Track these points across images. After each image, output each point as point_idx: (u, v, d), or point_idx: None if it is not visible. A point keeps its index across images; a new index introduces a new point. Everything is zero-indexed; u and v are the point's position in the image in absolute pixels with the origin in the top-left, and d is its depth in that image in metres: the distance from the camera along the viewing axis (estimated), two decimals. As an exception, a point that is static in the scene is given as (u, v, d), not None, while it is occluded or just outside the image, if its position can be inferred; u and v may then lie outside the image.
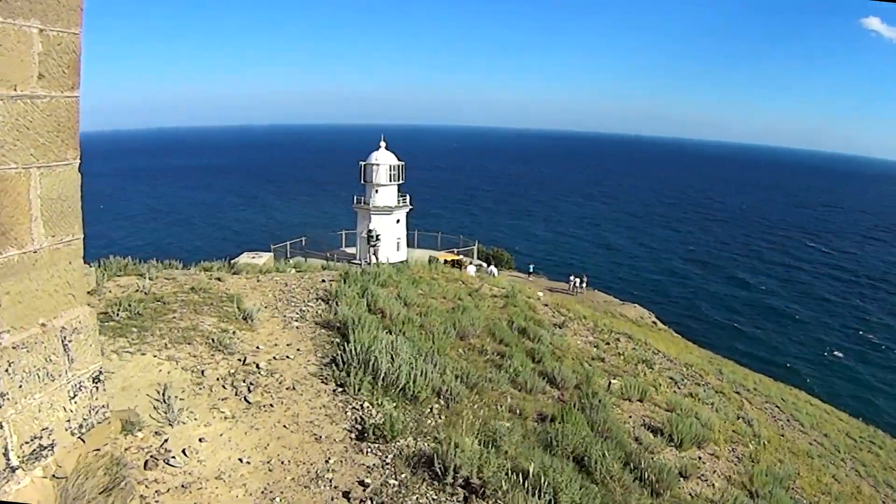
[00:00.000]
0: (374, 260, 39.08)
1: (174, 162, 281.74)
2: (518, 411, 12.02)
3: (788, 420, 24.52)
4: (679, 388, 20.29)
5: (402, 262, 68.53)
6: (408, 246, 69.75)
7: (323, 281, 18.46)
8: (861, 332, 79.85)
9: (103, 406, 7.06)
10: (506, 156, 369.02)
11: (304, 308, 14.77)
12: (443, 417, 10.22)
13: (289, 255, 64.88)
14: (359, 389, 10.11)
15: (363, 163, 66.96)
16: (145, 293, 13.80)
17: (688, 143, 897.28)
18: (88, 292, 13.73)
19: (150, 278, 15.34)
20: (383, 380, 10.34)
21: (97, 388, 6.93)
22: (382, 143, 66.47)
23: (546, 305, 26.83)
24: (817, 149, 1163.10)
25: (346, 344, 11.48)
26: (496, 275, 58.15)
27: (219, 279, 16.26)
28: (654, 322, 61.20)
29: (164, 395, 9.08)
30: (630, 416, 15.24)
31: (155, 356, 10.45)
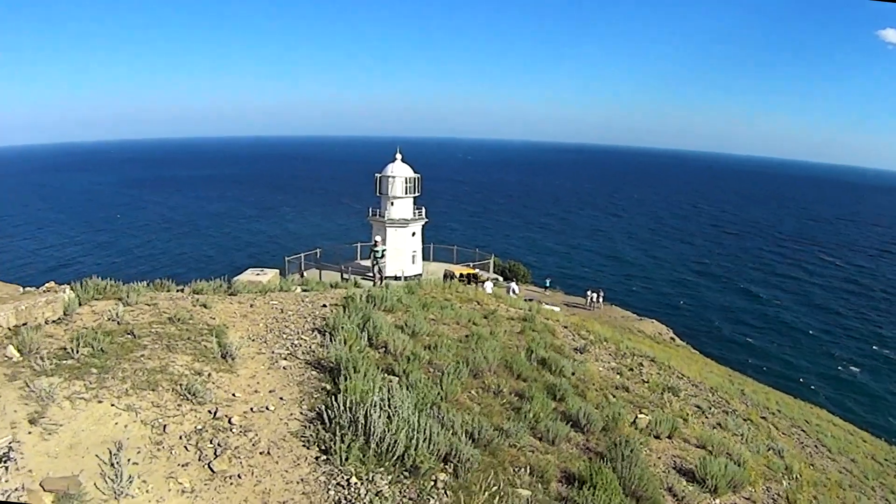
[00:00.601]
0: (377, 277, 36.19)
1: (189, 173, 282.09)
2: (540, 473, 10.01)
3: (816, 446, 23.13)
4: (707, 418, 18.87)
5: (416, 276, 67.47)
6: (423, 259, 68.79)
7: (324, 306, 16.60)
8: (875, 348, 78.04)
9: (17, 489, 5.37)
10: (520, 168, 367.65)
11: (296, 342, 12.91)
12: (449, 495, 8.28)
13: (303, 268, 64.22)
14: (346, 458, 8.18)
15: (379, 175, 65.28)
16: (118, 323, 11.94)
17: (700, 156, 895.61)
18: (55, 321, 12.30)
19: (127, 304, 13.48)
20: (377, 445, 8.39)
21: (5, 469, 5.24)
22: (398, 155, 65.10)
23: (566, 328, 24.99)
24: (832, 161, 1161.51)
25: (336, 394, 9.63)
26: (517, 293, 56.53)
27: (204, 305, 14.26)
28: (672, 338, 59.44)
29: (114, 457, 7.49)
30: (660, 458, 13.67)
31: (113, 405, 8.74)
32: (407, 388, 10.61)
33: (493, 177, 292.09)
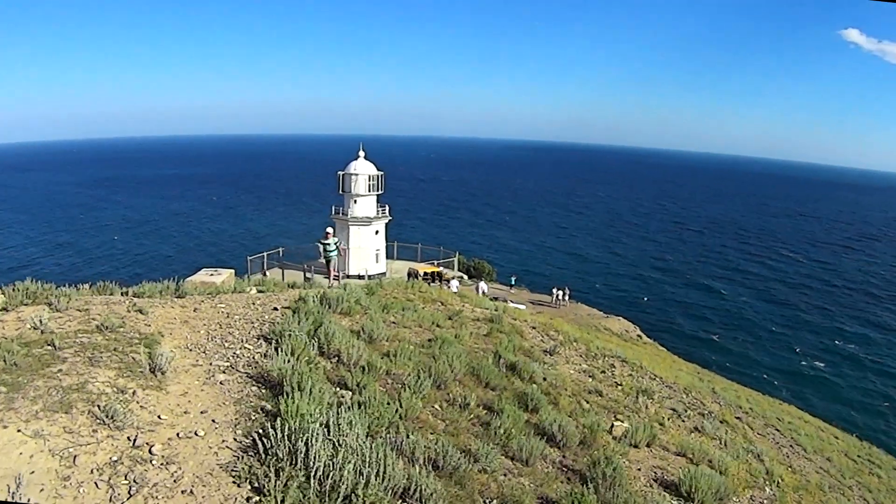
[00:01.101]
0: (331, 275, 32.02)
1: (152, 172, 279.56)
2: (514, 502, 8.78)
3: (791, 446, 22.42)
4: (683, 422, 18.19)
5: (380, 274, 66.31)
6: (387, 258, 67.87)
7: (275, 309, 15.17)
8: (837, 342, 78.58)
9: None
10: (482, 166, 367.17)
11: (238, 352, 11.49)
12: (405, 542, 6.93)
13: (265, 267, 63.00)
14: (282, 500, 6.73)
15: (342, 173, 64.49)
16: (41, 331, 10.54)
17: (666, 154, 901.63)
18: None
19: (56, 310, 12.05)
20: (320, 483, 6.94)
21: None
22: (361, 153, 64.04)
23: (534, 328, 23.80)
24: (795, 159, 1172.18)
25: (276, 416, 8.30)
26: (486, 292, 55.47)
27: (140, 311, 12.75)
28: (638, 335, 58.84)
29: (14, 496, 6.31)
30: (640, 469, 12.70)
31: (19, 430, 7.40)
32: (360, 406, 9.25)
33: (457, 175, 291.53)
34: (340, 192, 64.69)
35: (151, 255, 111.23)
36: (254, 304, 15.92)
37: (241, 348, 11.61)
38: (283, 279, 62.64)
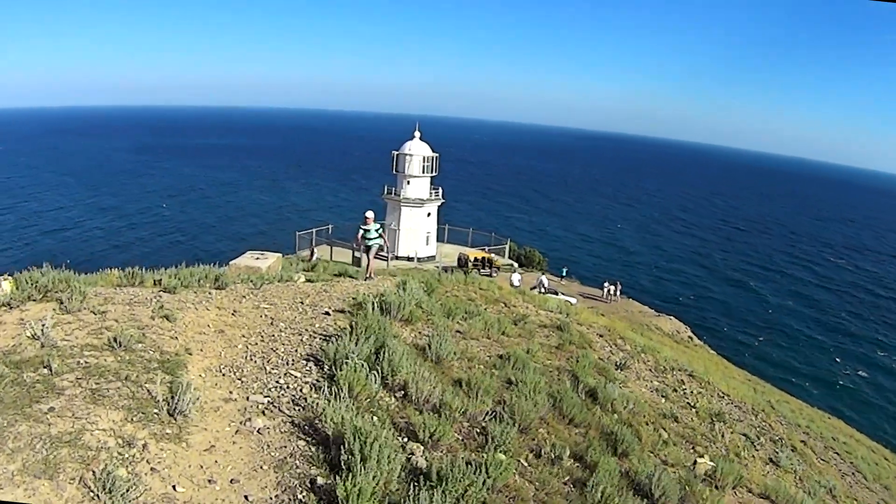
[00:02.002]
0: (369, 268, 22.27)
1: (203, 141, 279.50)
2: None
3: (853, 473, 21.19)
4: (757, 450, 16.91)
5: (429, 257, 64.64)
6: (437, 241, 66.21)
7: (326, 314, 12.97)
8: (881, 354, 75.22)
9: None
10: (533, 153, 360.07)
11: (283, 379, 9.19)
12: None
13: (314, 244, 61.67)
14: None
15: (396, 152, 62.82)
16: (41, 343, 8.41)
17: (721, 151, 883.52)
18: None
19: (67, 310, 9.95)
20: None
21: None
22: (417, 133, 62.34)
23: (601, 336, 21.61)
24: (856, 165, 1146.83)
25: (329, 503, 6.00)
26: (547, 286, 53.36)
27: (166, 317, 10.46)
28: (689, 337, 56.35)
29: None
30: None
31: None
32: (439, 479, 6.98)
33: (508, 160, 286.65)
34: (394, 171, 63.07)
35: (195, 224, 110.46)
36: (302, 303, 13.79)
37: (285, 374, 9.26)
38: (331, 257, 61.54)
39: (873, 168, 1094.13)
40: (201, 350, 9.56)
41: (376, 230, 23.39)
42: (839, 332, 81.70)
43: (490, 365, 12.88)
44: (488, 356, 13.63)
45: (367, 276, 21.68)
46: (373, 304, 13.20)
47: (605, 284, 61.70)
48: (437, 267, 61.52)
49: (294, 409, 8.29)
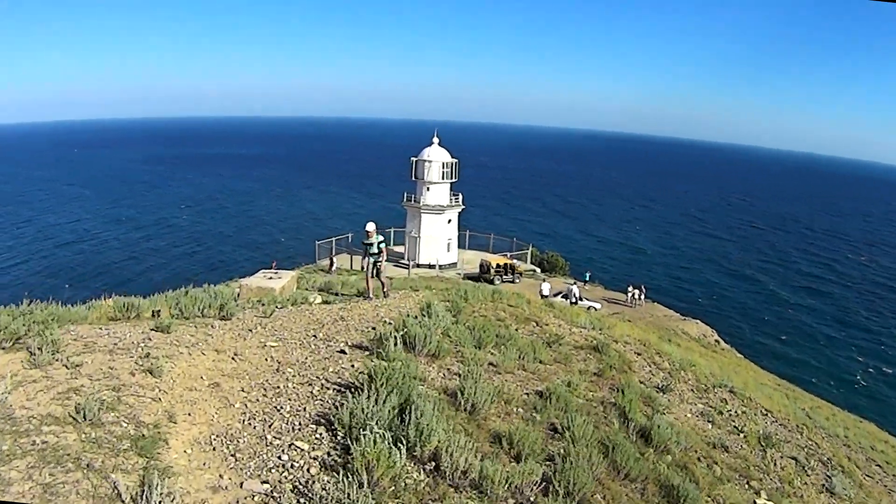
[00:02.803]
0: (370, 288, 20.85)
1: (220, 151, 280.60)
2: None
3: None
4: (808, 476, 15.56)
5: (451, 264, 63.08)
6: (458, 247, 64.95)
7: (342, 352, 11.30)
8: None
9: None
10: (552, 155, 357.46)
11: (285, 456, 7.33)
12: None
13: (334, 253, 60.78)
14: None
15: (415, 158, 61.78)
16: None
17: (736, 148, 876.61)
18: None
19: (36, 364, 8.24)
20: None
21: None
22: (435, 139, 61.39)
23: (639, 355, 19.93)
24: (870, 159, 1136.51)
25: None
26: (578, 295, 51.82)
27: (150, 371, 8.62)
28: (716, 340, 54.83)
29: None
30: None
31: None
32: None
33: (524, 162, 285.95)
34: (413, 178, 62.11)
35: (211, 234, 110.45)
36: (315, 336, 12.14)
37: (290, 445, 7.36)
38: (350, 266, 60.58)
39: (891, 162, 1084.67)
40: (189, 415, 7.77)
41: (378, 243, 20.60)
42: (860, 329, 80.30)
43: (530, 406, 11.12)
44: (526, 393, 11.89)
45: (369, 296, 19.49)
46: (395, 339, 11.41)
47: (630, 288, 60.17)
48: (459, 274, 60.45)
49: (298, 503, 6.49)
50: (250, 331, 12.13)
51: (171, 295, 17.34)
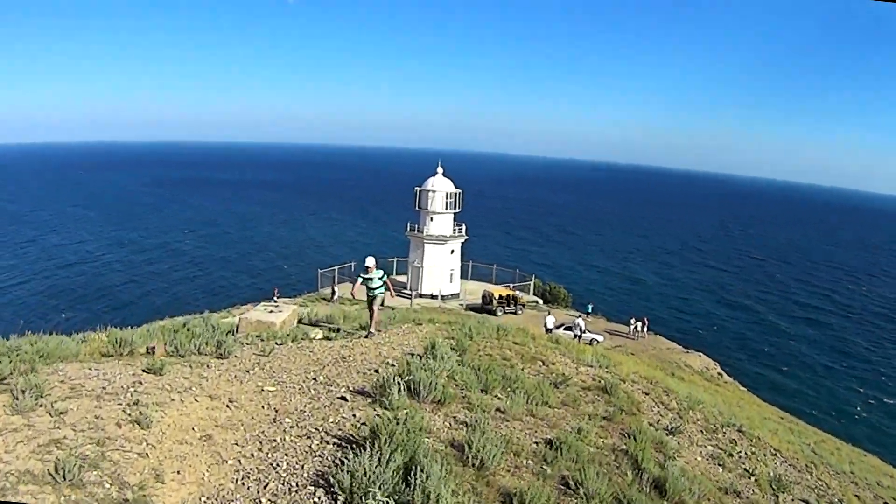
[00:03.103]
0: (374, 322, 19.73)
1: (222, 176, 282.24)
2: None
3: None
4: None
5: (453, 295, 62.62)
6: (461, 277, 64.54)
7: (343, 399, 10.65)
8: None
9: None
10: (551, 185, 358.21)
11: None
12: None
13: (336, 282, 60.32)
14: None
15: (418, 188, 61.49)
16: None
17: (739, 180, 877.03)
18: None
19: (18, 410, 7.46)
20: None
21: None
22: (439, 169, 61.08)
23: (647, 394, 19.31)
24: (872, 190, 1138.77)
25: None
26: (585, 329, 51.02)
27: (137, 422, 7.92)
28: (719, 373, 54.16)
29: None
30: None
31: None
32: None
33: (523, 193, 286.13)
34: (416, 208, 61.83)
35: (212, 258, 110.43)
36: (315, 379, 11.54)
37: None
38: (353, 295, 59.77)
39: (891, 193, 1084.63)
40: (178, 472, 7.11)
41: (380, 278, 19.66)
42: (860, 360, 79.90)
43: (540, 458, 10.49)
44: (535, 442, 11.26)
45: (370, 332, 18.82)
46: (399, 386, 10.77)
47: (632, 321, 59.48)
48: (462, 305, 59.97)
49: None
50: (247, 371, 11.56)
51: (169, 326, 16.82)
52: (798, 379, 71.16)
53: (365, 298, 20.36)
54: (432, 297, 60.10)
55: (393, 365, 13.45)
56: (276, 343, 15.41)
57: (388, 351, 15.34)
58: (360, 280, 19.60)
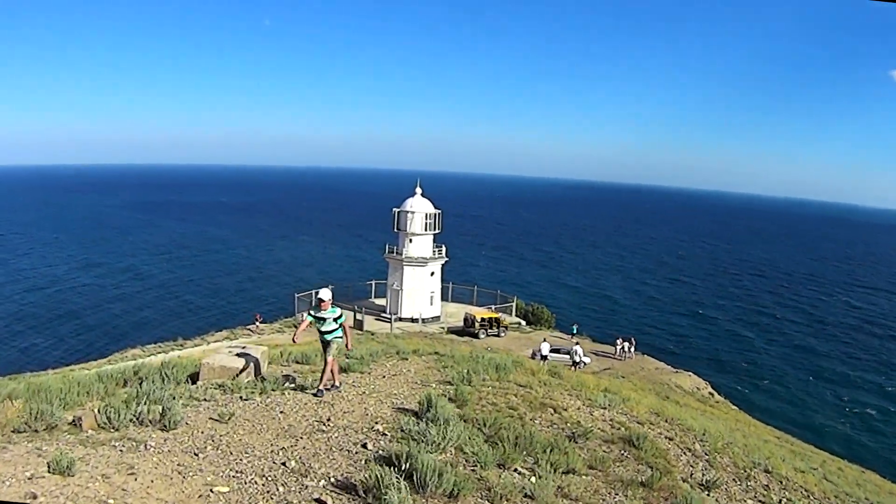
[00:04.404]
0: (325, 376, 14.30)
1: (196, 199, 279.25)
2: None
3: None
4: None
5: (433, 318, 59.77)
6: (442, 299, 62.24)
7: (320, 502, 7.77)
8: (889, 389, 73.33)
9: None
10: (531, 205, 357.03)
11: None
12: None
13: (313, 305, 57.72)
14: None
15: (397, 209, 59.09)
16: None
17: (719, 196, 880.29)
18: None
19: None
20: None
21: None
22: (418, 190, 58.79)
23: (670, 440, 16.54)
24: (845, 201, 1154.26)
25: None
26: (581, 355, 48.48)
27: None
28: (710, 393, 52.46)
29: None
30: None
31: None
32: None
33: (504, 212, 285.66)
34: (395, 230, 59.46)
35: (182, 281, 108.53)
36: (284, 465, 8.76)
37: None
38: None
39: (868, 205, 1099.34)
40: None
41: (336, 319, 14.46)
42: (840, 373, 79.36)
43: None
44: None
45: (319, 389, 13.80)
46: (396, 482, 7.79)
47: (619, 341, 57.34)
48: (443, 328, 57.67)
49: None
50: (196, 455, 8.69)
51: (117, 374, 14.08)
52: (779, 392, 70.63)
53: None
54: (413, 320, 57.87)
55: (385, 434, 10.65)
56: (241, 397, 12.54)
57: (375, 408, 12.58)
58: (307, 318, 14.81)
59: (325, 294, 14.38)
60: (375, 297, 64.13)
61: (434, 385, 15.49)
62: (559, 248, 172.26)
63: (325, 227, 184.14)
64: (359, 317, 55.80)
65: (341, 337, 14.37)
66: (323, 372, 14.18)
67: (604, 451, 13.12)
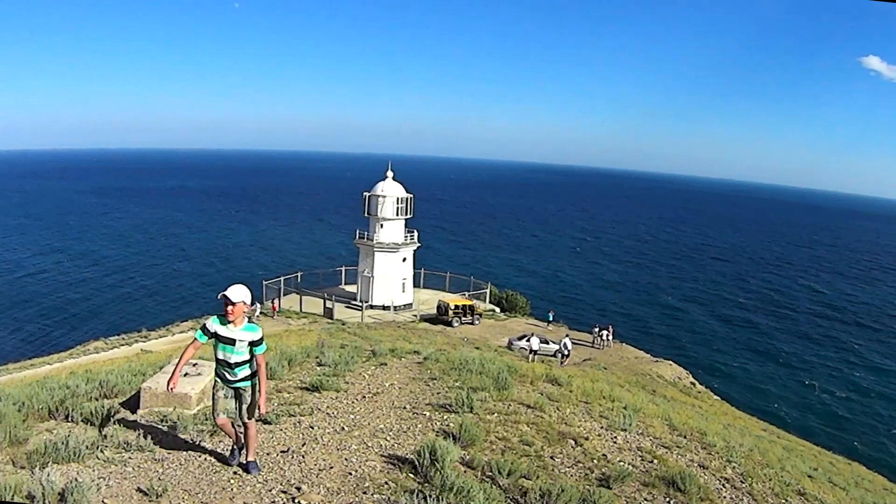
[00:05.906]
0: (236, 436, 8.63)
1: (164, 184, 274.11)
2: None
3: None
4: None
5: (405, 305, 57.06)
6: (414, 286, 60.15)
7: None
8: (856, 374, 72.94)
9: None
10: (503, 189, 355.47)
11: None
12: None
13: (282, 293, 56.19)
14: None
15: (367, 193, 56.58)
16: None
17: (686, 180, 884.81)
18: None
19: None
20: None
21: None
22: (389, 173, 56.10)
23: (704, 467, 13.38)
24: (813, 187, 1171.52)
25: None
26: (570, 348, 45.50)
27: None
28: (692, 383, 50.41)
29: None
30: None
31: None
32: None
33: (475, 197, 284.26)
34: (366, 214, 56.71)
35: (145, 266, 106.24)
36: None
37: None
38: (300, 308, 54.93)
39: (845, 191, 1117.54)
40: None
41: (253, 342, 7.93)
42: (810, 354, 79.24)
43: None
44: None
45: (234, 451, 8.83)
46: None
47: (595, 328, 55.16)
48: (416, 316, 55.18)
49: None
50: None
51: (38, 398, 10.95)
52: (753, 379, 69.51)
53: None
54: (384, 308, 55.58)
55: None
56: (186, 439, 9.33)
57: (358, 458, 9.35)
58: (197, 338, 8.14)
59: (237, 293, 7.78)
60: (346, 283, 61.86)
61: (427, 413, 12.34)
62: (524, 232, 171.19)
63: (294, 212, 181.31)
64: (329, 304, 53.19)
65: (252, 380, 8.21)
66: (236, 440, 8.79)
67: (646, 500, 10.07)
